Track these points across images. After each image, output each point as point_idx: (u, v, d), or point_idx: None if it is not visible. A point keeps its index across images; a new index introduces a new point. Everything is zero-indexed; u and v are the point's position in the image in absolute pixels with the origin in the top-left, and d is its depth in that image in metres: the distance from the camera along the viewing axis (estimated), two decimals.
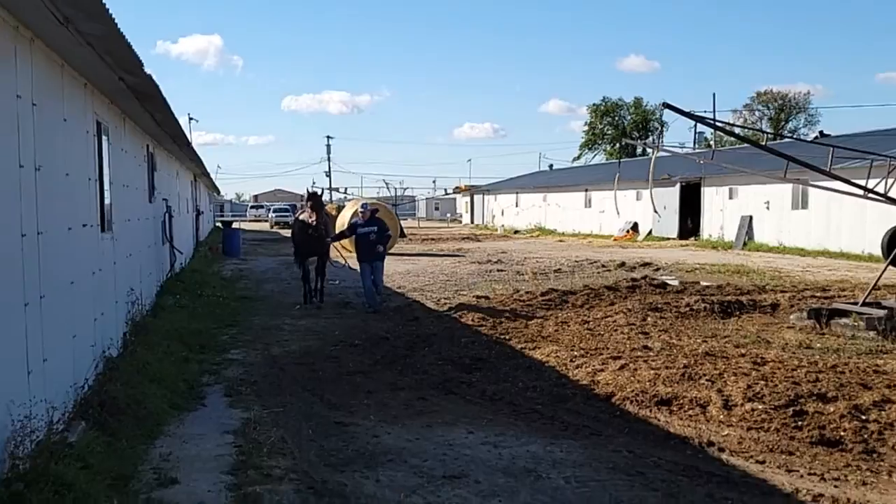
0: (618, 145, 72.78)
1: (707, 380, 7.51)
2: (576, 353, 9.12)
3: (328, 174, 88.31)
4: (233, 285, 17.46)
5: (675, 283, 16.66)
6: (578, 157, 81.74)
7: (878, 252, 14.75)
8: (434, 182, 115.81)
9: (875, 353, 9.19)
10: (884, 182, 11.52)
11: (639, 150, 67.70)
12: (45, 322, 5.29)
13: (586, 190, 45.92)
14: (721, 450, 5.87)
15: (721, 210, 33.54)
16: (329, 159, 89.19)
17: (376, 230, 13.37)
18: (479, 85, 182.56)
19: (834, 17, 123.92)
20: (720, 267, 21.09)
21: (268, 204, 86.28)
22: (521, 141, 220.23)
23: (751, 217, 31.23)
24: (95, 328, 7.19)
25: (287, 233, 28.94)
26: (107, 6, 4.85)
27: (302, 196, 20.42)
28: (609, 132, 79.54)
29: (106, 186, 7.96)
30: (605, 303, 13.54)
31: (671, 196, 36.11)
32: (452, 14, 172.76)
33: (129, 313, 9.34)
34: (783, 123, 72.54)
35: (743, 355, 8.79)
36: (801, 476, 5.32)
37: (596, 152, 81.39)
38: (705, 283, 16.53)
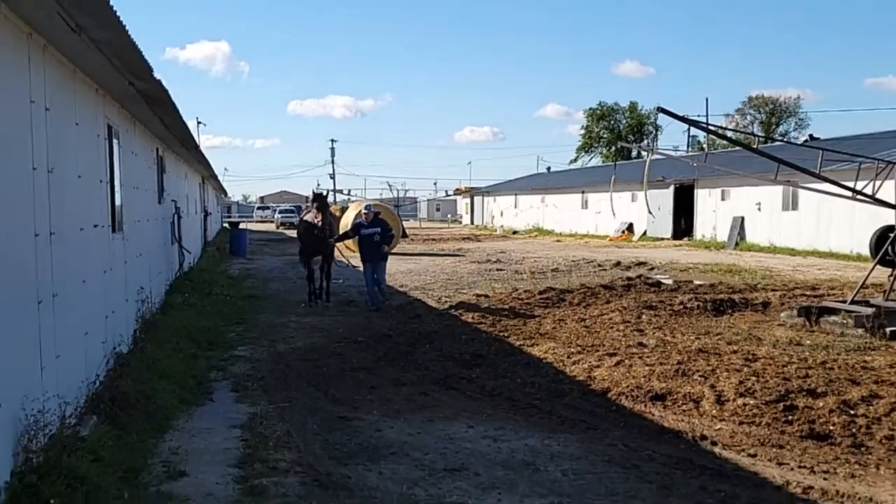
0: (613, 148, 73.07)
1: (700, 376, 7.63)
2: (573, 349, 9.23)
3: (332, 176, 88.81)
4: (240, 284, 17.59)
5: (670, 281, 16.82)
6: (575, 160, 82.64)
7: (866, 252, 14.89)
8: (435, 184, 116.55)
9: (863, 350, 9.34)
10: (872, 184, 11.67)
11: (634, 153, 68.26)
12: (57, 320, 5.37)
13: (583, 192, 46.14)
14: (714, 443, 5.96)
15: (714, 211, 33.80)
16: (333, 162, 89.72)
17: (380, 231, 13.52)
18: (479, 90, 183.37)
19: (824, 24, 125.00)
20: (713, 266, 21.24)
21: (274, 205, 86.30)
22: (519, 144, 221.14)
23: (743, 218, 31.49)
24: (106, 325, 7.28)
25: (292, 233, 29.01)
26: (118, 14, 4.93)
27: (307, 197, 20.53)
28: (605, 136, 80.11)
29: (117, 188, 8.06)
30: (602, 301, 13.67)
31: (665, 197, 36.40)
32: (452, 16, 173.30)
33: (140, 311, 9.46)
34: (774, 127, 73.04)
35: (735, 352, 8.92)
36: (792, 469, 5.41)
37: (592, 155, 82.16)
38: (698, 282, 16.69)
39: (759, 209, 30.53)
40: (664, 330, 10.72)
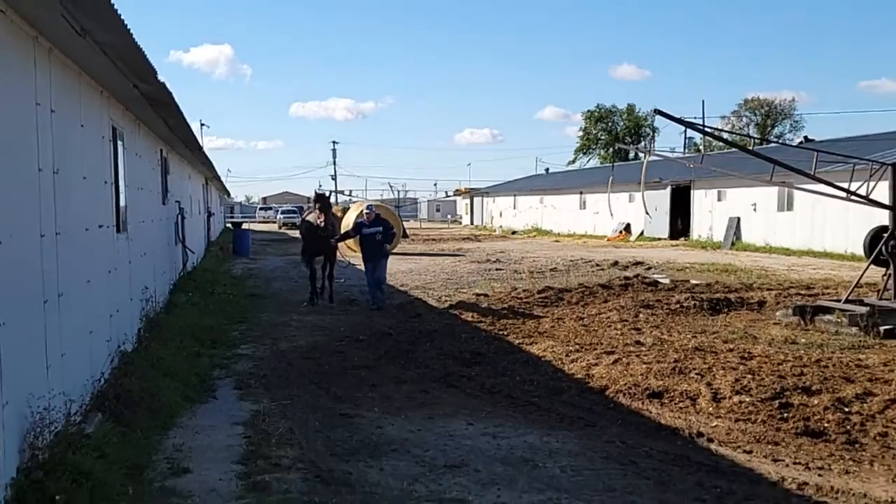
0: (611, 150, 73.41)
1: (697, 373, 7.70)
2: (571, 348, 9.30)
3: (334, 177, 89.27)
4: (242, 283, 17.65)
5: (667, 281, 16.87)
6: (573, 162, 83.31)
7: (860, 252, 14.99)
8: (435, 185, 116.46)
9: (857, 349, 9.42)
10: (865, 185, 11.77)
11: (631, 155, 68.56)
12: (62, 319, 5.41)
13: (581, 192, 46.29)
14: (710, 440, 6.02)
15: (710, 211, 33.98)
16: (335, 163, 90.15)
17: (381, 230, 13.62)
18: (479, 92, 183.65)
19: (818, 28, 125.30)
20: (709, 266, 21.31)
21: (276, 206, 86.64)
22: (518, 146, 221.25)
23: (738, 218, 31.66)
24: (111, 324, 7.33)
25: (295, 233, 29.08)
26: (123, 18, 4.96)
27: (309, 198, 20.67)
28: (603, 137, 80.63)
29: (121, 189, 8.12)
30: (599, 300, 13.76)
31: (662, 198, 36.56)
32: (452, 20, 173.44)
33: (144, 310, 9.50)
34: (769, 129, 73.38)
35: (731, 350, 9.00)
36: (787, 465, 5.46)
37: (590, 157, 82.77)
38: (695, 282, 16.75)
39: (755, 210, 30.71)
40: (661, 328, 10.80)
